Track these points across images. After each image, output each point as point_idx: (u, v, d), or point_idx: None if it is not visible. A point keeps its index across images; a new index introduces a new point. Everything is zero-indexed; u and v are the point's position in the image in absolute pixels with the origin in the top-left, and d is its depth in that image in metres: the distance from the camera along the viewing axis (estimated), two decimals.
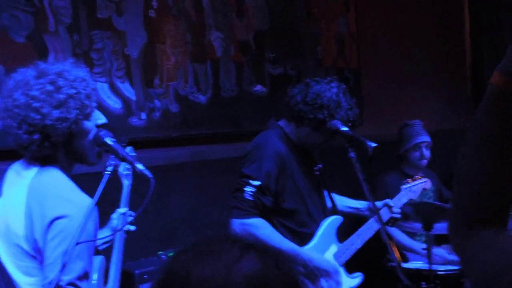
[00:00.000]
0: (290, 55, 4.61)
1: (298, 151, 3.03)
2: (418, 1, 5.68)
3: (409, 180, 3.53)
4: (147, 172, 2.02)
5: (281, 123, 3.07)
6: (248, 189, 2.82)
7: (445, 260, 3.87)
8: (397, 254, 2.87)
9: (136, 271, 3.17)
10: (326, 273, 2.90)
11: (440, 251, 3.97)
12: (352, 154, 2.82)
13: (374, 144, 2.78)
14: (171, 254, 2.95)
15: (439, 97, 5.79)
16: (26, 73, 2.05)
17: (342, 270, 3.08)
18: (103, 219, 2.32)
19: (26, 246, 1.97)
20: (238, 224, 2.82)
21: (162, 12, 3.80)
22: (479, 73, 6.08)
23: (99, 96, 3.28)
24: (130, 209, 2.43)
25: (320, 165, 3.16)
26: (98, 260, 2.12)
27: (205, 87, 4.04)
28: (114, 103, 3.55)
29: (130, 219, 2.34)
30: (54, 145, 2.02)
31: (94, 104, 2.11)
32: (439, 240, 4.09)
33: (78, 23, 3.39)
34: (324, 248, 3.07)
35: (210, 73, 4.07)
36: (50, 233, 1.92)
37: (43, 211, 1.95)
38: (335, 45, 4.98)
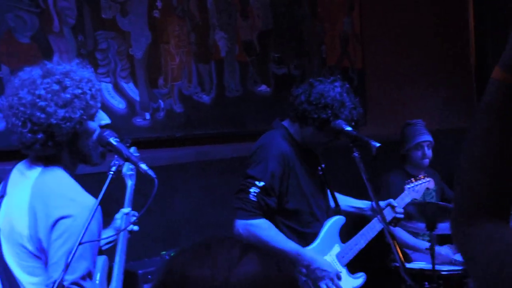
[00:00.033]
0: (295, 55, 4.60)
1: (302, 151, 3.03)
2: (422, 1, 5.67)
3: (413, 179, 3.53)
4: (151, 172, 2.03)
5: (285, 123, 3.07)
6: (253, 190, 2.82)
7: (449, 259, 3.87)
8: (400, 254, 2.88)
9: (140, 271, 3.17)
10: (328, 275, 2.90)
11: (445, 250, 3.97)
12: (355, 154, 2.83)
13: (377, 144, 2.79)
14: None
15: (443, 97, 5.77)
16: (32, 72, 2.06)
17: (345, 270, 3.08)
18: (107, 219, 2.33)
19: (30, 246, 1.98)
20: (242, 225, 2.83)
21: (166, 12, 3.80)
22: (483, 74, 6.05)
23: (103, 96, 3.29)
24: (134, 209, 2.44)
25: (323, 165, 3.16)
26: (102, 260, 2.12)
27: (209, 87, 4.04)
28: (118, 103, 3.56)
29: (133, 219, 2.34)
30: (57, 144, 2.03)
31: (99, 105, 2.13)
32: (443, 240, 4.09)
33: (83, 23, 3.40)
34: (327, 248, 3.07)
35: (214, 73, 4.07)
36: (54, 233, 1.93)
37: (47, 211, 1.96)
38: (339, 45, 4.97)
